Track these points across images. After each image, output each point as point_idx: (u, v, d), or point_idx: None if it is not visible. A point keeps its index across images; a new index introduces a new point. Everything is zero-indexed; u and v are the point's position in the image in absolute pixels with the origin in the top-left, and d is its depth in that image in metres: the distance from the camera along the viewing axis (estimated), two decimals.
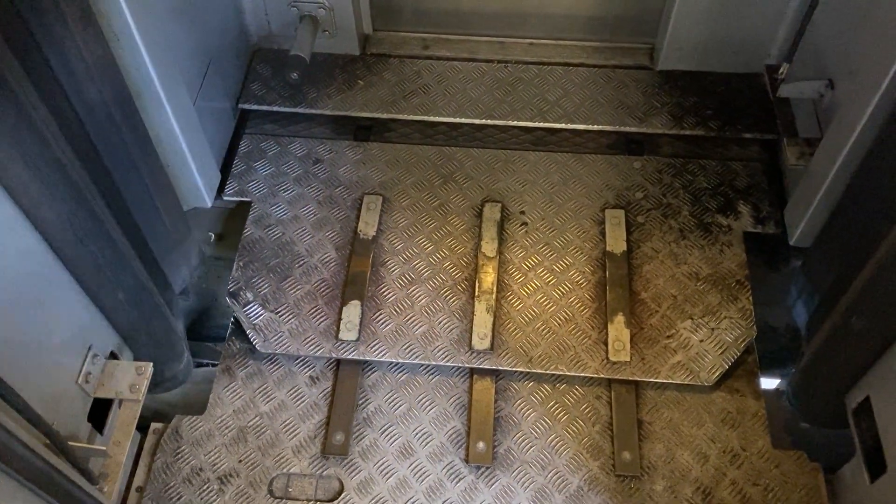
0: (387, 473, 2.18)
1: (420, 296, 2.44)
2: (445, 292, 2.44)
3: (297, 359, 2.37)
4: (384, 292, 2.44)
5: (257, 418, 2.27)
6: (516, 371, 2.31)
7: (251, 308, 2.40)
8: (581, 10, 2.99)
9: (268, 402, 2.30)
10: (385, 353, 2.32)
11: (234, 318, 2.43)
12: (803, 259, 2.42)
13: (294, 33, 2.90)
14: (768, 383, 2.63)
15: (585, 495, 2.14)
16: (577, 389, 2.30)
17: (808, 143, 2.34)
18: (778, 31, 2.76)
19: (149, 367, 1.95)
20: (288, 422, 2.27)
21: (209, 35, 2.57)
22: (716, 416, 2.26)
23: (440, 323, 2.38)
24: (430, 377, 2.33)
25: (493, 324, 2.36)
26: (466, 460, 2.19)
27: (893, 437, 1.81)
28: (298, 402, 2.30)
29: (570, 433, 2.24)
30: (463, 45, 3.09)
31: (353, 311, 2.39)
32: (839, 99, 2.27)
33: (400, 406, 2.29)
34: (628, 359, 2.28)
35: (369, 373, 2.34)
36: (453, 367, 2.34)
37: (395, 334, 2.36)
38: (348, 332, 2.35)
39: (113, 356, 1.99)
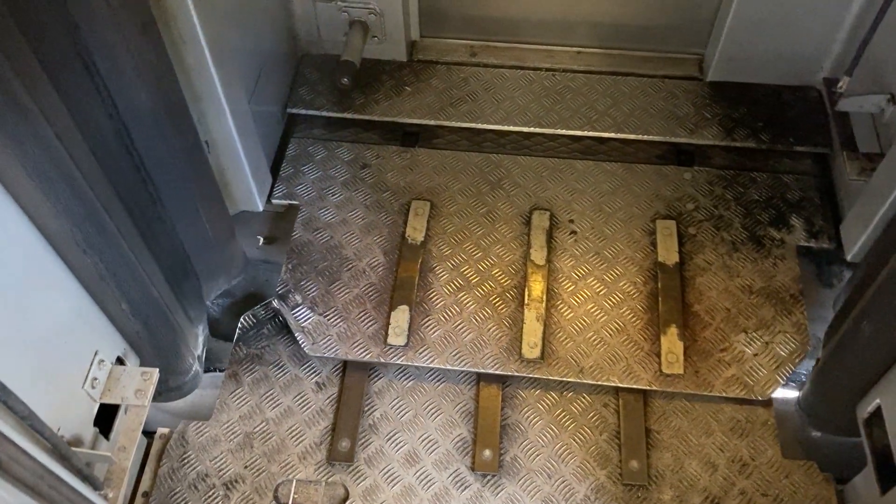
0: (392, 480, 2.17)
1: (468, 302, 2.42)
2: (494, 300, 2.43)
3: (303, 365, 2.37)
4: (432, 298, 2.43)
5: (263, 424, 2.26)
6: (523, 377, 2.30)
7: (300, 311, 2.40)
8: (630, 20, 2.97)
9: (274, 407, 2.30)
10: (434, 360, 2.30)
11: (241, 323, 2.43)
12: (853, 273, 2.38)
13: (342, 39, 2.91)
14: (779, 392, 2.59)
15: None
16: (584, 397, 2.28)
17: (868, 158, 2.31)
18: (833, 44, 2.73)
19: (155, 373, 1.93)
20: (294, 428, 2.26)
21: (261, 39, 2.59)
22: (724, 425, 2.23)
23: (489, 330, 2.36)
24: (437, 384, 2.32)
25: (544, 332, 2.34)
26: (472, 468, 2.17)
27: None
28: (305, 408, 2.29)
29: (577, 441, 2.22)
30: (511, 53, 3.08)
31: (401, 316, 2.38)
32: None
33: (406, 413, 2.28)
34: (682, 371, 2.25)
35: (375, 379, 2.34)
36: (460, 374, 2.33)
37: (443, 340, 2.34)
38: (397, 337, 2.34)
39: (120, 362, 1.98)
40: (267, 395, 2.32)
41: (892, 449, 1.79)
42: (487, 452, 2.18)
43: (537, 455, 2.19)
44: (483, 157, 2.80)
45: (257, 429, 2.26)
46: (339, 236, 2.58)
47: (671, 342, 2.30)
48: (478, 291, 2.45)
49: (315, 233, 2.59)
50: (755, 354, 2.29)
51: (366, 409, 2.28)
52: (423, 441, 2.22)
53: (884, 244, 2.13)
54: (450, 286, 2.46)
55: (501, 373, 2.29)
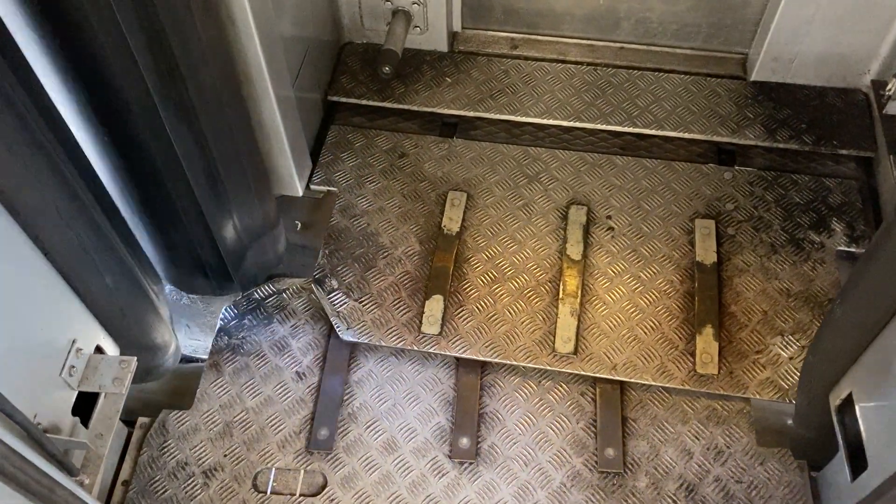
0: (370, 468, 2.18)
1: (503, 295, 2.43)
2: (528, 293, 2.43)
3: (284, 355, 2.38)
4: (467, 289, 2.44)
5: (243, 413, 2.28)
6: (503, 365, 2.31)
7: (335, 296, 2.42)
8: (674, 17, 2.95)
9: (254, 397, 2.31)
10: (467, 350, 2.31)
11: (222, 313, 2.44)
12: None
13: (385, 28, 2.93)
14: None
15: (568, 491, 2.12)
16: (561, 386, 2.29)
17: None
18: (881, 46, 2.68)
19: (133, 361, 1.95)
20: (274, 417, 2.27)
21: (306, 26, 2.61)
22: (700, 413, 2.23)
23: (522, 323, 2.36)
24: (416, 373, 2.33)
25: (577, 328, 2.34)
26: (450, 456, 2.18)
27: (874, 434, 1.77)
28: (284, 398, 2.31)
29: (553, 430, 2.22)
30: (552, 47, 3.07)
31: (435, 305, 2.39)
32: None
33: (385, 402, 2.29)
34: (716, 372, 2.24)
35: (355, 369, 2.35)
36: (440, 363, 2.34)
37: (477, 331, 2.35)
38: (430, 326, 2.35)
39: (99, 350, 1.99)
40: (247, 384, 2.33)
41: (863, 436, 1.80)
42: (465, 440, 2.20)
43: (515, 443, 2.21)
44: (521, 149, 2.79)
45: (237, 418, 2.27)
46: (376, 224, 2.60)
47: (706, 342, 2.29)
48: (512, 284, 2.45)
49: (352, 219, 2.61)
50: (791, 358, 2.27)
51: (346, 398, 2.29)
52: (401, 429, 2.24)
53: None
54: (484, 278, 2.47)
55: (533, 366, 2.29)
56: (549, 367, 2.28)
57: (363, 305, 2.41)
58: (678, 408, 2.24)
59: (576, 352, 2.30)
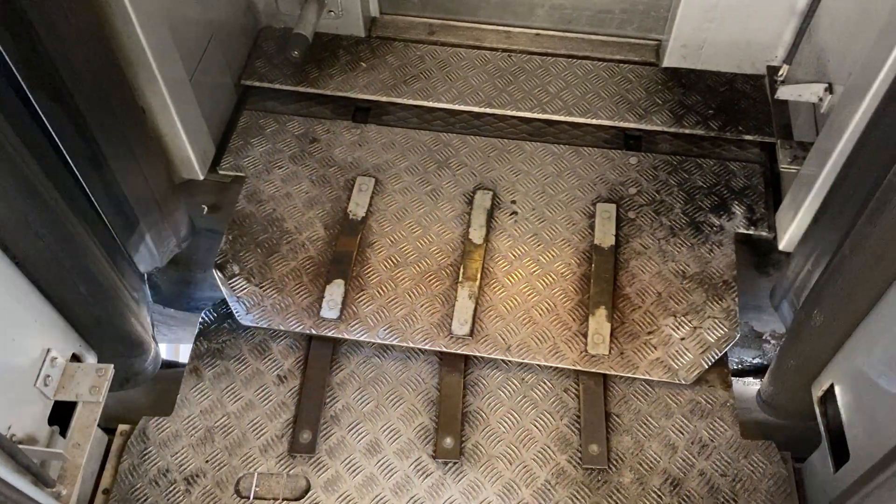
0: (354, 471, 2.18)
1: (404, 279, 2.44)
2: (430, 277, 2.45)
3: (265, 358, 2.37)
4: (368, 273, 2.45)
5: (224, 418, 2.27)
6: (487, 364, 2.31)
7: (236, 281, 2.43)
8: (588, 3, 2.97)
9: (235, 401, 2.30)
10: (364, 334, 2.33)
11: (202, 318, 2.44)
12: (787, 263, 2.39)
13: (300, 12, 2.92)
14: (740, 381, 2.62)
15: (553, 489, 2.14)
16: (545, 383, 2.30)
17: (802, 146, 2.31)
18: (784, 32, 2.72)
19: (109, 369, 1.95)
20: (255, 421, 2.26)
21: (211, 9, 2.59)
22: (684, 407, 2.25)
23: (422, 306, 2.38)
24: (399, 373, 2.33)
25: (475, 310, 2.36)
26: (434, 456, 2.19)
27: (856, 425, 1.81)
28: (266, 402, 2.30)
29: (537, 427, 2.23)
30: (469, 33, 3.08)
31: (336, 289, 2.40)
32: (836, 103, 2.24)
33: (368, 403, 2.28)
34: (607, 352, 2.28)
35: (337, 371, 2.34)
36: (424, 362, 2.34)
37: (376, 315, 2.37)
38: (330, 311, 2.36)
39: (76, 359, 1.99)
40: (228, 389, 2.32)
41: (845, 428, 1.83)
42: (449, 440, 2.20)
43: (499, 441, 2.21)
44: (433, 135, 2.81)
45: (218, 423, 2.26)
46: (282, 209, 2.60)
47: (599, 323, 2.32)
48: (414, 268, 2.47)
49: (258, 205, 2.61)
50: (682, 339, 2.31)
51: (328, 400, 2.29)
52: (385, 430, 2.24)
53: (816, 234, 2.15)
54: (387, 262, 2.48)
55: (430, 348, 2.31)
56: (444, 349, 2.31)
57: (263, 290, 2.41)
58: (662, 402, 2.26)
59: (472, 334, 2.32)
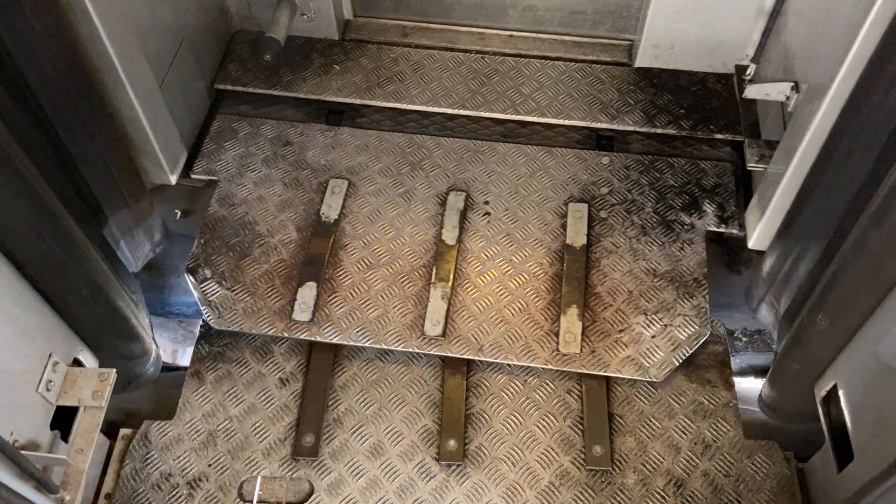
0: (357, 474, 2.17)
1: (377, 280, 2.45)
2: (402, 278, 2.45)
3: (267, 361, 2.36)
4: (341, 275, 2.46)
5: (227, 422, 2.26)
6: (489, 366, 2.31)
7: (208, 285, 2.42)
8: (560, 4, 2.99)
9: (237, 405, 2.29)
10: (336, 336, 2.33)
11: (203, 320, 2.42)
12: (760, 262, 2.41)
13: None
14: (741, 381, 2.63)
15: (556, 490, 2.14)
16: (548, 384, 2.30)
17: (769, 145, 2.33)
18: (753, 31, 2.74)
19: (112, 374, 1.93)
20: (258, 424, 2.25)
21: (182, 13, 2.59)
22: (687, 408, 2.26)
23: (395, 308, 2.39)
24: (402, 376, 2.33)
25: (447, 311, 2.37)
26: (438, 458, 2.18)
27: (859, 425, 1.80)
28: (268, 405, 2.29)
29: (540, 428, 2.23)
30: (442, 35, 3.09)
31: (308, 292, 2.40)
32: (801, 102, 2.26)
33: (371, 406, 2.28)
34: (578, 351, 2.29)
35: (339, 373, 2.34)
36: (426, 364, 2.34)
37: (348, 317, 2.37)
38: (302, 313, 2.36)
39: (77, 363, 1.98)
40: (230, 392, 2.31)
41: (848, 427, 1.83)
42: (452, 442, 2.19)
43: (502, 443, 2.21)
44: (406, 137, 2.81)
45: (221, 427, 2.25)
46: (255, 212, 2.60)
47: (570, 322, 2.33)
48: (387, 270, 2.47)
49: (230, 208, 2.61)
50: (653, 336, 2.32)
51: (330, 403, 2.28)
52: (388, 433, 2.23)
53: (792, 234, 2.16)
54: (360, 264, 2.48)
55: (402, 349, 2.32)
56: (417, 350, 2.31)
57: (235, 294, 2.41)
58: (664, 403, 2.26)
59: (444, 334, 2.33)
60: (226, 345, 2.39)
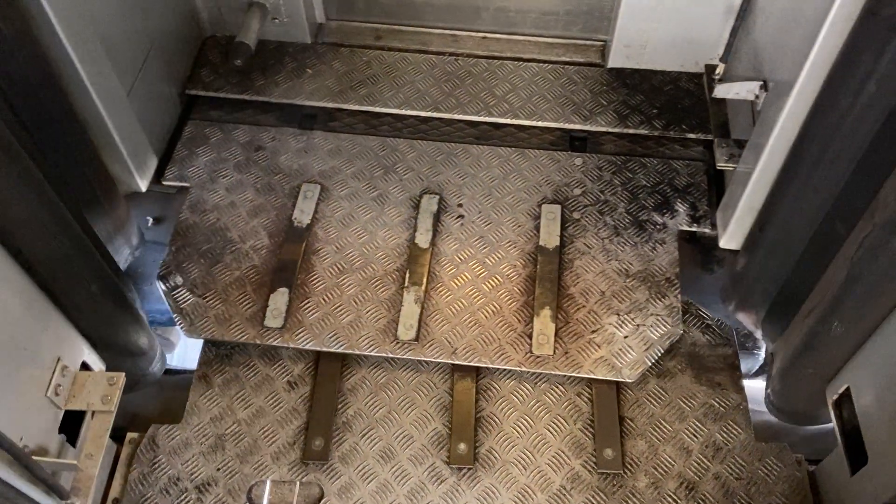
0: (367, 477, 2.15)
1: (350, 285, 2.44)
2: (375, 283, 2.44)
3: (275, 364, 2.35)
4: (313, 281, 2.44)
5: (235, 425, 2.24)
6: (498, 369, 2.30)
7: (179, 292, 2.41)
8: (534, 5, 2.99)
9: (245, 408, 2.27)
10: (309, 342, 2.32)
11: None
12: (733, 260, 2.42)
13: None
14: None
15: (568, 494, 2.13)
16: (558, 387, 2.29)
17: (738, 144, 2.34)
18: (724, 30, 2.75)
19: (121, 378, 1.91)
20: (266, 428, 2.23)
21: (150, 19, 2.57)
22: (698, 410, 2.26)
23: (368, 312, 2.38)
24: (411, 379, 2.31)
25: (421, 315, 2.36)
26: (448, 462, 2.17)
27: (873, 428, 1.79)
28: (277, 408, 2.27)
29: (551, 431, 2.22)
30: (415, 37, 3.09)
31: (280, 298, 2.39)
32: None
33: (380, 409, 2.27)
34: (552, 352, 2.29)
35: (349, 376, 2.32)
36: (435, 367, 2.33)
37: (321, 322, 2.36)
38: (274, 320, 2.35)
39: (85, 367, 1.96)
40: (238, 395, 2.28)
41: (861, 430, 1.81)
42: (463, 446, 2.18)
43: (512, 446, 2.20)
44: (379, 140, 2.80)
45: (229, 430, 2.23)
46: (226, 219, 2.58)
47: (543, 324, 2.33)
48: (360, 274, 2.46)
49: (202, 215, 2.59)
50: (626, 336, 2.33)
51: (339, 406, 2.26)
52: (397, 437, 2.21)
53: (767, 235, 2.16)
54: (332, 269, 2.47)
55: (376, 354, 2.31)
56: (391, 355, 2.31)
57: (207, 301, 2.40)
58: (675, 405, 2.26)
59: (417, 338, 2.32)
60: (233, 348, 2.37)
